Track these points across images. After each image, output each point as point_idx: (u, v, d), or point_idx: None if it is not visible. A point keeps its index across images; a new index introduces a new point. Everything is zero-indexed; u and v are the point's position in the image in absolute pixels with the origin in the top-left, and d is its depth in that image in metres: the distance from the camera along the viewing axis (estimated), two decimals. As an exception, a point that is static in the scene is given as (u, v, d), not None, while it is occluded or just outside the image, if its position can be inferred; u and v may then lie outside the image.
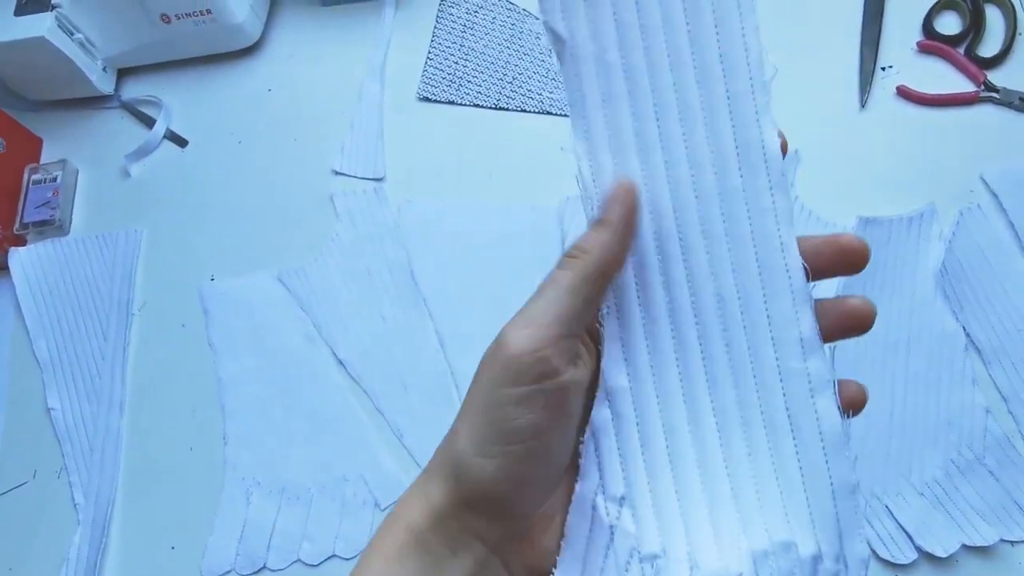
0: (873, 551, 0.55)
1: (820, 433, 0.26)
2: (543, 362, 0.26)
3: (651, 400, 0.28)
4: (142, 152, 0.77)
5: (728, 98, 0.27)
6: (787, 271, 0.27)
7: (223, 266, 0.72)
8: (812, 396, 0.27)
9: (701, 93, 0.27)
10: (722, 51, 0.27)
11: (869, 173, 0.65)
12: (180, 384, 0.68)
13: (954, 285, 0.60)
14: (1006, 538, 0.53)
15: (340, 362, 0.66)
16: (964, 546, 0.53)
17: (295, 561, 0.61)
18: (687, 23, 0.27)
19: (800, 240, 0.29)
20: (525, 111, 0.72)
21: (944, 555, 0.53)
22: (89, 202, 0.77)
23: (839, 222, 0.63)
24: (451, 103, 0.73)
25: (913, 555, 0.54)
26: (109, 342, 0.70)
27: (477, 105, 0.73)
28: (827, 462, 0.26)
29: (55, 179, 0.77)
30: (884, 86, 0.68)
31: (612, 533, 0.26)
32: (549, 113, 0.71)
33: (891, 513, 0.55)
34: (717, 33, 0.27)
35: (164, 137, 0.77)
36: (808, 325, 0.28)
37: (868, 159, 0.65)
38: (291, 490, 0.63)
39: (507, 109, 0.72)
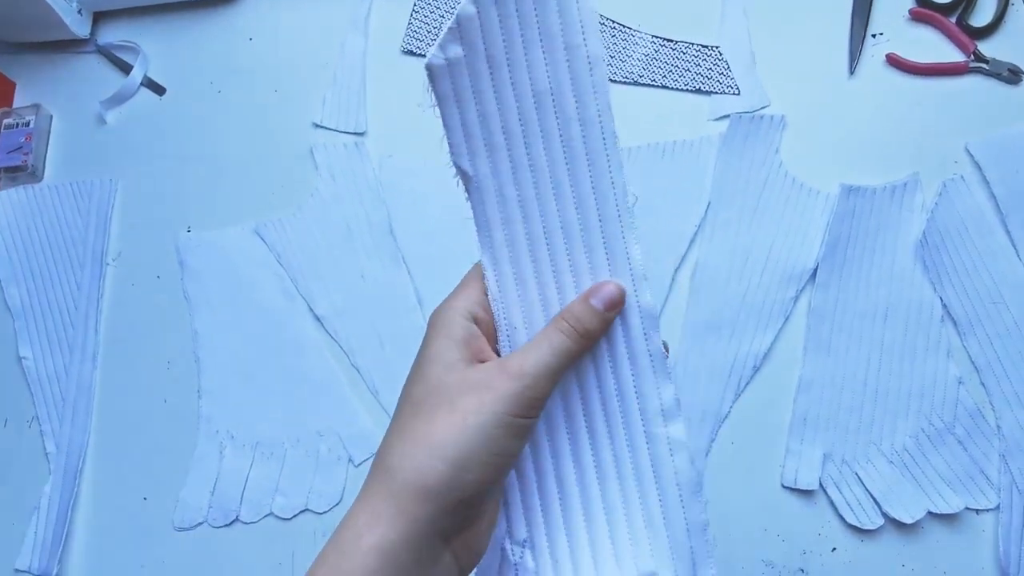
0: (840, 516, 0.55)
1: (678, 484, 0.32)
2: (541, 402, 0.31)
3: (547, 460, 0.33)
4: (118, 99, 0.75)
5: (600, 220, 0.33)
6: (651, 362, 0.33)
7: (200, 218, 0.71)
8: (671, 455, 0.32)
9: (579, 216, 0.33)
10: (594, 184, 0.33)
11: (854, 141, 0.64)
12: (155, 336, 0.67)
13: (933, 256, 0.60)
14: (971, 506, 0.54)
15: (317, 318, 0.66)
16: (930, 513, 0.54)
17: (267, 515, 0.61)
18: (567, 163, 0.33)
19: None
20: (510, 68, 0.71)
21: (910, 521, 0.54)
22: (63, 149, 0.76)
23: (822, 189, 0.62)
24: (435, 58, 0.72)
25: (880, 521, 0.54)
26: (83, 292, 0.69)
27: (462, 60, 0.71)
28: (683, 507, 0.32)
29: (28, 124, 0.75)
30: (874, 53, 0.67)
31: (516, 570, 0.32)
32: (535, 71, 0.70)
33: (860, 480, 0.56)
34: (590, 171, 0.33)
35: (141, 84, 0.75)
36: (668, 399, 0.33)
37: (854, 127, 0.65)
38: (265, 444, 0.63)
39: (492, 65, 0.71)
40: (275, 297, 0.67)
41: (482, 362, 0.32)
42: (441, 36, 0.32)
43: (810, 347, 0.59)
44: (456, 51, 0.32)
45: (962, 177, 0.62)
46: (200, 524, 0.61)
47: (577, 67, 0.32)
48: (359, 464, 0.61)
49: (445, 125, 0.33)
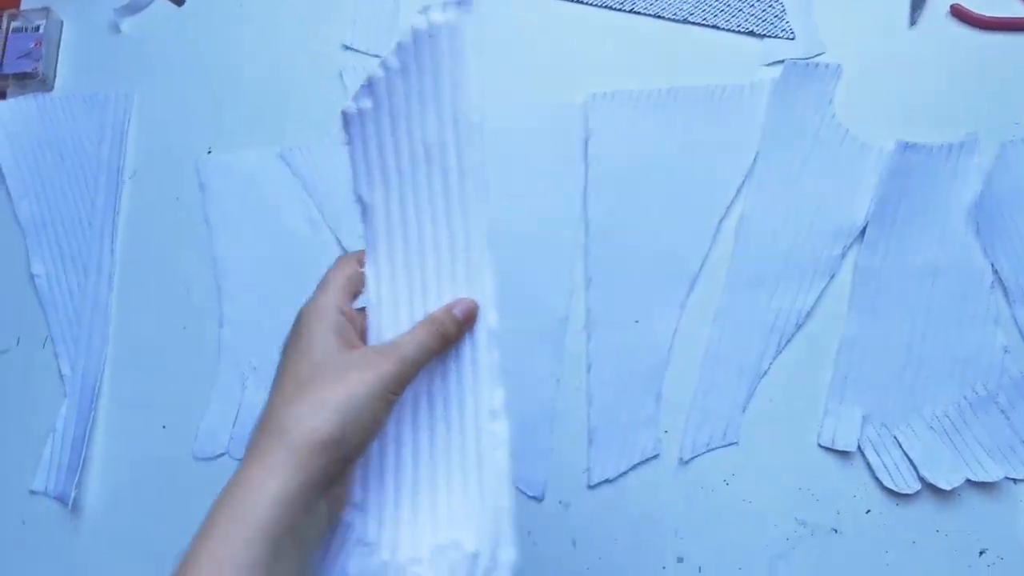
0: (876, 479, 0.55)
1: (495, 473, 0.37)
2: (407, 384, 0.37)
3: (391, 438, 0.38)
4: (134, 7, 0.71)
5: (466, 252, 0.39)
6: (489, 371, 0.39)
7: (221, 139, 0.67)
8: (494, 448, 0.37)
9: (450, 246, 0.39)
10: (464, 223, 0.39)
11: (911, 95, 0.62)
12: (173, 259, 0.65)
13: (987, 221, 0.58)
14: (1010, 476, 0.53)
15: (344, 249, 0.63)
16: (968, 481, 0.53)
17: None
18: (444, 203, 0.39)
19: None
20: (555, -3, 0.67)
21: (948, 488, 0.53)
22: (75, 57, 0.72)
23: (875, 144, 0.60)
24: (476, -18, 0.68)
25: (917, 486, 0.54)
26: (97, 209, 0.66)
27: (503, -13, 0.67)
28: (496, 494, 0.37)
29: (37, 29, 0.71)
30: (937, 4, 0.64)
31: (347, 529, 0.37)
32: (579, 1, 0.66)
33: (898, 443, 0.55)
34: (462, 213, 0.39)
35: (160, -8, 0.71)
36: (498, 402, 0.38)
37: (912, 81, 0.62)
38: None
39: (535, -7, 0.67)
40: (300, 225, 0.64)
41: (354, 348, 0.37)
42: (356, 91, 0.39)
43: (854, 306, 0.58)
44: (366, 103, 0.39)
45: (1023, 140, 0.59)
46: (221, 455, 0.60)
47: (461, 129, 0.39)
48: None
49: (350, 160, 0.39)
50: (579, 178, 0.63)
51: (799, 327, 0.58)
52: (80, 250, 0.65)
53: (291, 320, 0.48)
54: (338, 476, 0.34)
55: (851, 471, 0.55)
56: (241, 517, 0.32)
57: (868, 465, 0.55)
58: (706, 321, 0.59)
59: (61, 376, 0.62)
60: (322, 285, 0.40)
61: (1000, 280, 0.57)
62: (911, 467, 0.54)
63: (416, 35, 0.38)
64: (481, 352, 0.39)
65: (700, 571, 0.55)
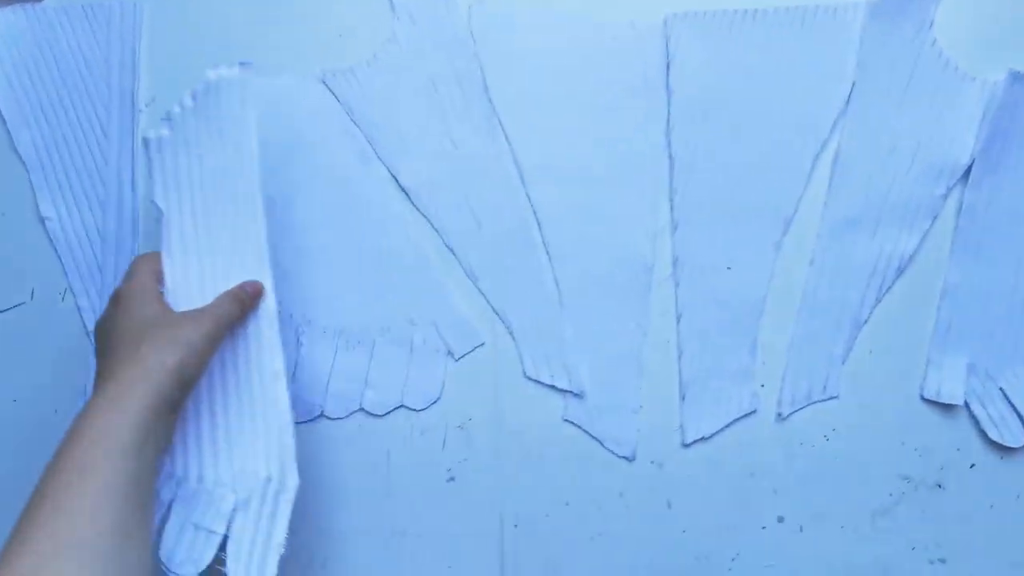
0: (981, 432, 0.53)
1: (280, 419, 0.47)
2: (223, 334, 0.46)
3: (193, 400, 0.46)
4: (138, -99, 0.61)
5: (250, 249, 0.49)
6: (271, 341, 0.48)
7: (251, 60, 0.59)
8: (278, 401, 0.47)
9: (234, 244, 0.49)
10: (246, 231, 0.49)
11: (1019, 20, 0.57)
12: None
13: (1099, 158, 0.55)
14: (1122, 427, 0.52)
15: (402, 189, 0.57)
16: (1077, 432, 0.52)
17: (357, 410, 0.55)
18: (231, 212, 0.49)
19: None
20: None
21: (1056, 440, 0.52)
22: (68, -40, 0.62)
23: (979, 75, 0.56)
24: None
25: (1023, 439, 0.52)
26: (112, 141, 0.58)
27: None
28: (281, 433, 0.47)
29: (20, -75, 0.61)
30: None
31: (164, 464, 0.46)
32: (658, -93, 0.59)
33: (1005, 395, 0.53)
34: (247, 221, 0.49)
35: None
36: (279, 366, 0.47)
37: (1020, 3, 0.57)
38: (350, 333, 0.55)
39: None
40: (349, 161, 0.57)
41: None
42: (160, 122, 0.49)
43: (957, 250, 0.55)
44: (164, 132, 0.49)
45: None
46: (280, 417, 0.55)
47: (241, 158, 0.49)
48: (459, 358, 0.55)
49: (151, 175, 0.49)
50: (661, 109, 0.57)
51: (900, 272, 0.54)
52: (96, 190, 0.57)
53: (345, 266, 0.56)
54: (179, 401, 0.43)
55: (955, 424, 0.53)
56: (110, 423, 0.39)
57: (973, 417, 0.53)
58: (802, 266, 0.55)
59: (88, 333, 0.56)
60: (132, 272, 0.47)
61: (1110, 222, 0.54)
62: (1018, 419, 0.52)
63: (208, 84, 0.49)
64: (264, 328, 0.48)
65: (801, 530, 0.52)
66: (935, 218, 0.55)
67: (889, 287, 0.54)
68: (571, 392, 0.54)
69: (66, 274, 0.56)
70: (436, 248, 0.56)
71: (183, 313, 0.45)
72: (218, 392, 0.47)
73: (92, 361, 0.54)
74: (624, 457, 0.53)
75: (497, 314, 0.55)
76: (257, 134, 0.50)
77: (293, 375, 0.55)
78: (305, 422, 0.54)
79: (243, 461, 0.46)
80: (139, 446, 0.39)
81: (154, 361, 0.41)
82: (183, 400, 0.43)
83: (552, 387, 0.54)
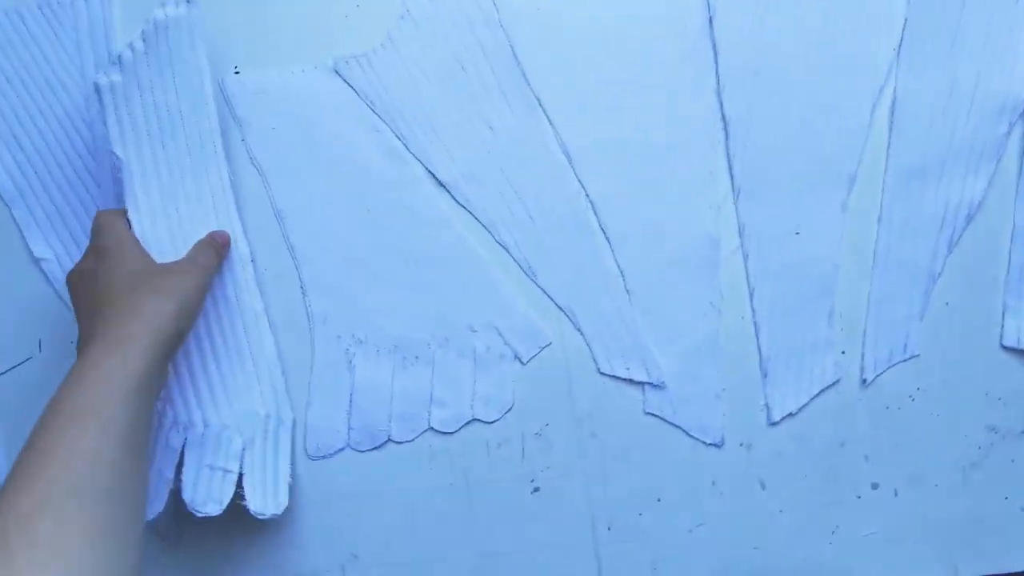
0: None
1: (267, 359, 0.50)
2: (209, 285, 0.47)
3: (185, 352, 0.48)
4: None
5: (211, 195, 0.50)
6: (248, 284, 0.50)
7: (248, 52, 0.52)
8: (263, 341, 0.50)
9: (196, 191, 0.49)
10: (208, 174, 0.50)
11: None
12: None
13: None
14: None
15: (441, 184, 0.52)
16: None
17: (425, 430, 0.51)
18: (189, 156, 0.49)
19: None
20: None
21: None
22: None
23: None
24: None
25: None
26: (101, 161, 0.51)
27: None
28: (271, 373, 0.50)
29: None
30: None
31: (162, 414, 0.48)
32: None
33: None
34: (206, 166, 0.50)
35: None
36: (259, 307, 0.50)
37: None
38: (406, 347, 0.51)
39: None
40: (378, 159, 0.52)
41: None
42: (106, 65, 0.48)
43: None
44: (116, 77, 0.47)
45: None
46: (341, 450, 0.50)
47: (194, 99, 0.49)
48: (527, 361, 0.51)
49: (106, 124, 0.47)
50: (708, 70, 0.53)
51: (969, 219, 0.53)
52: (90, 216, 0.50)
53: (390, 277, 0.52)
54: (174, 349, 0.43)
55: (1036, 368, 0.52)
56: (117, 360, 0.39)
57: (1054, 361, 0.52)
58: (871, 224, 0.53)
59: (110, 382, 0.50)
60: (104, 227, 0.45)
61: None
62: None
63: (156, 24, 0.48)
64: (239, 273, 0.49)
65: (896, 495, 0.51)
66: (1000, 159, 0.53)
67: (960, 236, 0.53)
68: (650, 383, 0.51)
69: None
70: (487, 246, 0.52)
71: (171, 264, 0.46)
72: (206, 340, 0.49)
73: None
74: (713, 444, 0.51)
75: (562, 310, 0.52)
76: (211, 72, 0.49)
77: (350, 401, 0.50)
78: (371, 450, 0.50)
79: (241, 403, 0.49)
80: (138, 391, 0.39)
81: (151, 310, 0.42)
82: (178, 348, 0.44)
83: (630, 380, 0.51)
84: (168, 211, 0.48)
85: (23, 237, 0.50)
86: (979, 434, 0.52)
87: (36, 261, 0.50)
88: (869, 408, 0.52)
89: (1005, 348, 0.52)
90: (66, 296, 0.50)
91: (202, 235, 0.48)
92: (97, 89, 0.47)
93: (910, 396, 0.52)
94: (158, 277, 0.44)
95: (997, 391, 0.52)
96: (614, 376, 0.51)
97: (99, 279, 0.43)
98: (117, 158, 0.47)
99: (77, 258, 0.50)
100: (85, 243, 0.50)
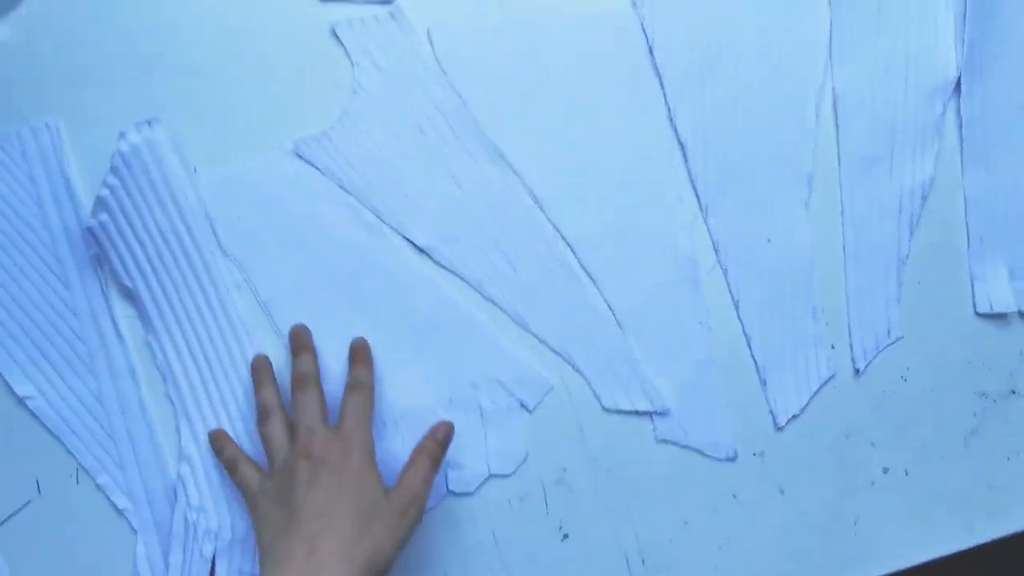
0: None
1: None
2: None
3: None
4: (7, 3, 0.51)
5: (216, 305, 0.50)
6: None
7: (203, 152, 0.52)
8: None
9: (205, 308, 0.51)
10: (215, 290, 0.51)
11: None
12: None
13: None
14: None
15: (421, 250, 0.52)
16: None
17: (445, 495, 0.50)
18: (195, 279, 0.50)
19: None
20: None
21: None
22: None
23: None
24: None
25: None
26: (74, 288, 0.50)
27: None
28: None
29: None
30: None
31: (196, 523, 0.48)
32: None
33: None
34: (209, 284, 0.51)
35: (34, -26, 0.52)
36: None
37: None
38: (412, 416, 0.51)
39: None
40: (354, 233, 0.52)
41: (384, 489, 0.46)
42: (91, 207, 0.49)
43: (967, 163, 0.56)
44: (104, 217, 0.49)
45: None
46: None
47: (183, 211, 0.50)
48: (533, 409, 0.52)
49: (108, 262, 0.49)
50: (656, 95, 0.54)
51: (925, 199, 0.55)
52: (75, 349, 0.49)
53: (386, 348, 0.51)
54: None
55: (1012, 329, 0.55)
56: None
57: (1025, 318, 0.55)
58: (835, 219, 0.54)
59: (119, 511, 0.48)
60: (351, 438, 0.46)
61: (1096, 100, 0.57)
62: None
63: (123, 155, 0.49)
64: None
65: (907, 474, 0.53)
66: (941, 137, 0.55)
67: (919, 216, 0.55)
68: (655, 412, 0.52)
69: (72, 454, 0.49)
70: (476, 301, 0.52)
71: (396, 497, 0.45)
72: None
73: (140, 542, 0.48)
74: (728, 458, 0.52)
75: (558, 354, 0.52)
76: (190, 180, 0.51)
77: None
78: None
79: None
80: None
81: (373, 545, 0.42)
82: None
83: (636, 412, 0.52)
84: (184, 330, 0.50)
85: (3, 378, 0.49)
86: (971, 401, 0.54)
87: (21, 401, 0.49)
88: (867, 396, 0.53)
89: (979, 315, 0.55)
90: (59, 431, 0.49)
91: (213, 346, 0.50)
92: (91, 233, 0.48)
93: (902, 377, 0.54)
94: (387, 510, 0.43)
95: (980, 357, 0.54)
96: (619, 411, 0.52)
97: (320, 493, 0.43)
98: (129, 292, 0.49)
99: (63, 389, 0.49)
100: (68, 372, 0.49)
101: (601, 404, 0.52)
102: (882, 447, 0.53)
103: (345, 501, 0.43)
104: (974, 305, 0.54)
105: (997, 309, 0.54)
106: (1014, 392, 0.54)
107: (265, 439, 0.47)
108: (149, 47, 0.52)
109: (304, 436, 0.45)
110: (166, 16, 0.52)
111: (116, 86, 0.52)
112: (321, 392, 0.48)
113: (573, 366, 0.52)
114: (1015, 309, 0.54)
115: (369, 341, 0.51)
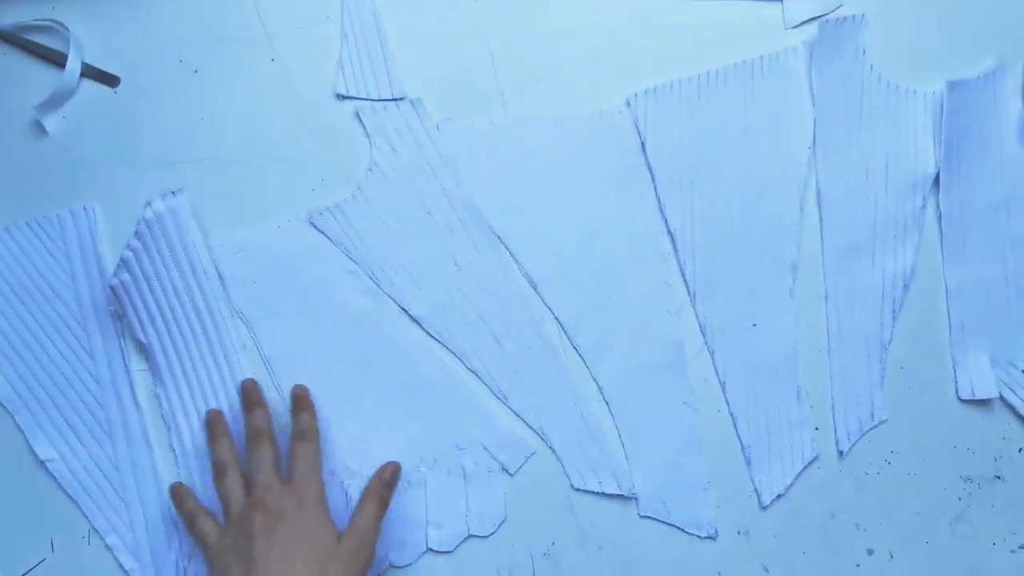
0: (1020, 417, 0.56)
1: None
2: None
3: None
4: (57, 99, 0.57)
5: (220, 366, 0.55)
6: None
7: (224, 220, 0.56)
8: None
9: (211, 363, 0.55)
10: (222, 350, 0.55)
11: (930, 32, 0.61)
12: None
13: (1037, 139, 0.60)
14: None
15: (414, 320, 0.55)
16: (1101, 393, 0.56)
17: (425, 552, 0.52)
18: (204, 335, 0.55)
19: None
20: (559, -6, 0.60)
21: (1086, 406, 0.55)
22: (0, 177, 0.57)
23: (917, 88, 0.59)
24: (466, -7, 0.60)
25: (1058, 413, 0.56)
26: (98, 359, 0.53)
27: (499, -8, 0.60)
28: None
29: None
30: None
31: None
32: (587, -5, 0.61)
33: (1028, 376, 0.56)
34: (217, 340, 0.55)
35: (83, 75, 0.57)
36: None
37: (926, 17, 0.61)
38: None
39: (537, -6, 0.60)
40: (357, 299, 0.56)
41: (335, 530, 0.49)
42: (115, 268, 0.53)
43: (947, 254, 0.58)
44: (125, 276, 0.53)
45: (1042, 54, 0.61)
46: None
47: (198, 276, 0.55)
48: (515, 472, 0.54)
49: (125, 317, 0.54)
50: (647, 188, 0.58)
51: (907, 287, 0.57)
52: (96, 415, 0.53)
53: (374, 408, 0.54)
54: None
55: (995, 415, 0.56)
56: None
57: (1008, 405, 0.56)
58: (819, 304, 0.57)
59: (126, 572, 0.51)
60: (302, 490, 0.49)
61: (1066, 195, 0.59)
62: (1048, 396, 0.56)
63: (147, 221, 0.54)
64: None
65: (892, 557, 0.54)
66: (921, 229, 0.58)
67: (902, 303, 0.57)
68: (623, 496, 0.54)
69: (85, 515, 0.52)
70: (464, 370, 0.55)
71: (350, 538, 0.48)
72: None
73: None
74: (708, 537, 0.53)
75: (535, 432, 0.55)
76: (205, 246, 0.55)
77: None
78: None
79: None
80: None
81: None
82: None
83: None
84: (191, 384, 0.54)
85: (27, 440, 0.52)
86: (956, 486, 0.55)
87: (42, 463, 0.52)
88: (851, 477, 0.55)
89: (962, 400, 0.56)
90: (74, 493, 0.52)
91: (216, 399, 0.53)
92: (112, 290, 0.53)
93: (886, 460, 0.55)
94: (340, 554, 0.47)
95: (964, 442, 0.55)
96: (587, 491, 0.54)
97: (276, 543, 0.45)
98: (143, 346, 0.54)
99: (82, 453, 0.52)
100: (87, 437, 0.53)
101: (570, 483, 0.54)
102: (867, 529, 0.54)
103: (300, 548, 0.45)
104: (956, 391, 0.56)
105: (979, 395, 0.56)
106: (999, 477, 0.55)
107: (221, 494, 0.49)
108: (179, 137, 0.57)
109: (259, 490, 0.48)
110: (197, 110, 0.58)
111: (148, 171, 0.57)
112: (275, 446, 0.51)
113: (547, 443, 0.54)
114: (997, 395, 0.55)
115: (357, 399, 0.54)
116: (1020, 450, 0.55)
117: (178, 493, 0.51)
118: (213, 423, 0.52)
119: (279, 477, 0.49)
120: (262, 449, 0.50)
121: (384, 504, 0.50)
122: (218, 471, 0.50)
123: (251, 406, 0.52)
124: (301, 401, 0.52)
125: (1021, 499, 0.55)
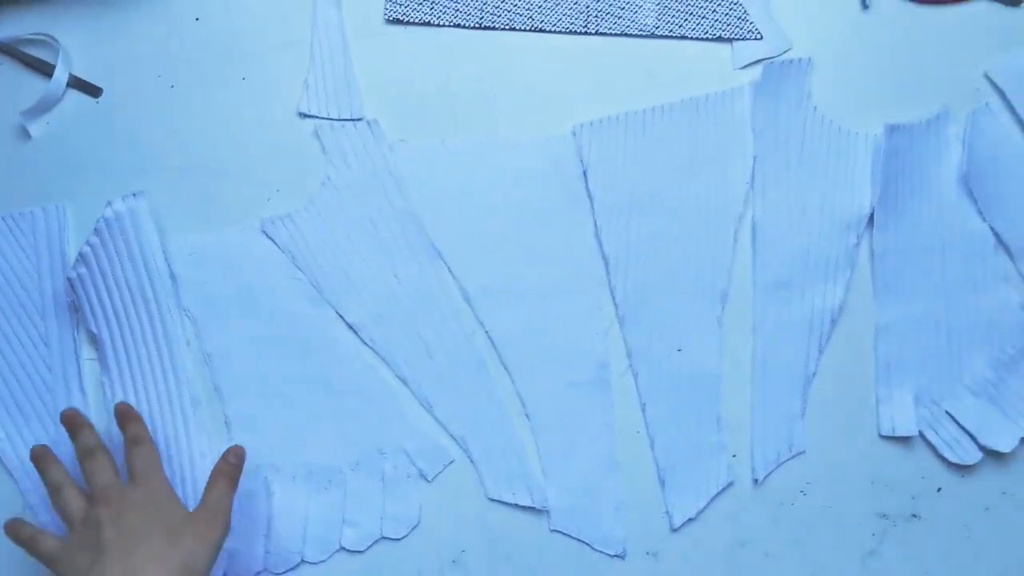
0: (940, 456, 0.56)
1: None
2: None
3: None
4: (43, 106, 0.61)
5: (169, 362, 0.57)
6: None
7: (181, 224, 0.60)
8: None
9: (158, 364, 0.57)
10: (168, 348, 0.58)
11: (878, 77, 0.63)
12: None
13: (977, 186, 0.60)
14: (1060, 426, 0.56)
15: (350, 327, 0.58)
16: (1023, 440, 0.56)
17: (337, 550, 0.54)
18: (151, 330, 0.58)
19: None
20: (514, 29, 0.64)
21: (1007, 450, 0.55)
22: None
23: (859, 130, 0.61)
24: (427, 24, 0.64)
25: (978, 455, 0.56)
26: (53, 348, 0.57)
27: (458, 25, 0.64)
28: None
29: (-76, 148, 0.61)
30: (881, -14, 0.65)
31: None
32: (542, 31, 0.64)
33: (952, 417, 0.56)
34: (162, 339, 0.58)
35: (69, 86, 0.62)
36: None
37: (876, 63, 0.63)
38: (319, 473, 0.56)
39: (493, 28, 0.64)
40: (300, 305, 0.59)
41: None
42: (73, 262, 0.57)
43: (879, 292, 0.59)
44: (82, 270, 0.57)
45: (987, 105, 0.62)
46: (259, 573, 0.54)
47: (152, 277, 0.58)
48: (432, 479, 0.56)
49: (80, 309, 0.57)
50: (586, 214, 0.60)
51: (834, 323, 0.58)
52: (43, 399, 0.56)
53: (305, 409, 0.57)
54: None
55: (915, 454, 0.56)
56: None
57: (929, 444, 0.56)
58: (746, 334, 0.58)
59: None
60: (140, 473, 0.51)
61: (1001, 241, 0.60)
62: (970, 438, 0.56)
63: (107, 220, 0.58)
64: (189, 417, 0.57)
65: (801, 589, 0.54)
66: (854, 267, 0.59)
67: (828, 338, 0.58)
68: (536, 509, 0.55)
69: (23, 495, 0.55)
70: (393, 377, 0.58)
71: (200, 513, 0.49)
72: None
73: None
74: (616, 556, 0.54)
75: (456, 441, 0.57)
76: (160, 246, 0.59)
77: (268, 527, 0.55)
78: (285, 572, 0.54)
79: None
80: None
81: (186, 559, 0.46)
82: None
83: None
84: (135, 378, 0.56)
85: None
86: (871, 521, 0.55)
87: (-12, 443, 0.56)
88: (765, 506, 0.55)
89: (883, 437, 0.56)
90: (14, 471, 0.55)
91: (156, 390, 0.56)
92: (70, 283, 0.57)
93: (801, 491, 0.56)
94: (194, 522, 0.48)
95: (882, 478, 0.56)
96: (502, 502, 0.56)
97: (125, 525, 0.47)
98: (94, 337, 0.57)
99: (26, 434, 0.56)
100: (33, 420, 0.56)
101: (486, 492, 0.56)
102: (776, 559, 0.55)
103: (151, 523, 0.47)
104: (878, 427, 0.57)
105: (899, 432, 0.56)
106: (916, 516, 0.55)
107: (61, 510, 0.50)
108: (152, 146, 0.61)
109: (100, 491, 0.49)
110: (171, 122, 0.62)
111: (120, 176, 0.61)
112: (110, 456, 0.52)
113: (467, 453, 0.56)
114: (917, 433, 0.56)
115: (288, 398, 0.57)
116: (939, 490, 0.56)
117: (42, 458, 0.52)
118: (39, 456, 0.52)
119: (119, 480, 0.51)
120: (97, 460, 0.51)
121: (232, 483, 0.51)
122: (54, 491, 0.50)
123: (77, 428, 0.52)
124: (127, 414, 0.53)
125: (937, 539, 0.55)
